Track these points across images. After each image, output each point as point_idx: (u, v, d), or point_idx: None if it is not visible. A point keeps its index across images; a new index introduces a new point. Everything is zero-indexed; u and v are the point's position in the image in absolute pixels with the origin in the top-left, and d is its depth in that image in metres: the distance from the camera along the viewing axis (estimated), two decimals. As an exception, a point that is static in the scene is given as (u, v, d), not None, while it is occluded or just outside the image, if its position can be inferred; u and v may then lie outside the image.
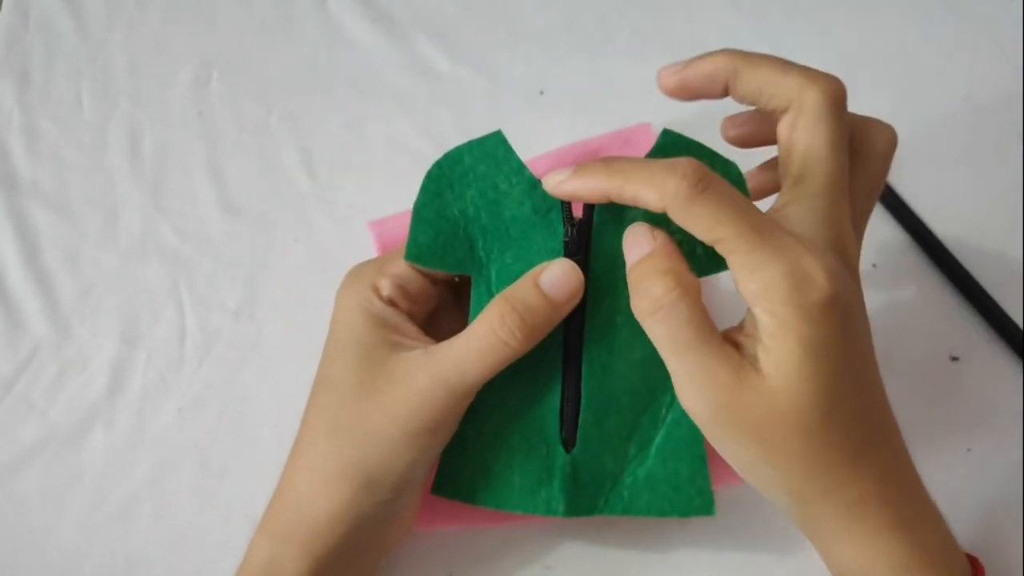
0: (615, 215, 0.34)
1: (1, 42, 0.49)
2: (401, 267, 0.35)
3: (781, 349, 0.29)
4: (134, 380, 0.43)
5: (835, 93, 0.33)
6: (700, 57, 0.34)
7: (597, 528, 0.40)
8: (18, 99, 0.48)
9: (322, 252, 0.45)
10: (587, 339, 0.34)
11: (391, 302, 0.35)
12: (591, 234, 0.34)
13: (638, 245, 0.32)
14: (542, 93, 0.48)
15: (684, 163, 0.30)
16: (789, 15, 0.49)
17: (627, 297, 0.32)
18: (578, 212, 0.34)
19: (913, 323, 0.44)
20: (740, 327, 0.31)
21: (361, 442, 0.33)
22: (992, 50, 0.48)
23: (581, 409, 0.35)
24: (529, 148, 0.44)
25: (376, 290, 0.35)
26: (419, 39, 0.49)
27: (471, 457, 0.35)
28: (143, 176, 0.46)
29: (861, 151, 0.34)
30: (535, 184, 0.34)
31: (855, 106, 0.47)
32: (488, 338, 0.32)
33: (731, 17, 0.49)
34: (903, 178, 0.46)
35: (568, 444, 0.35)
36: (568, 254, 0.34)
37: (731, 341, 0.31)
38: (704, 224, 0.30)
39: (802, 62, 0.47)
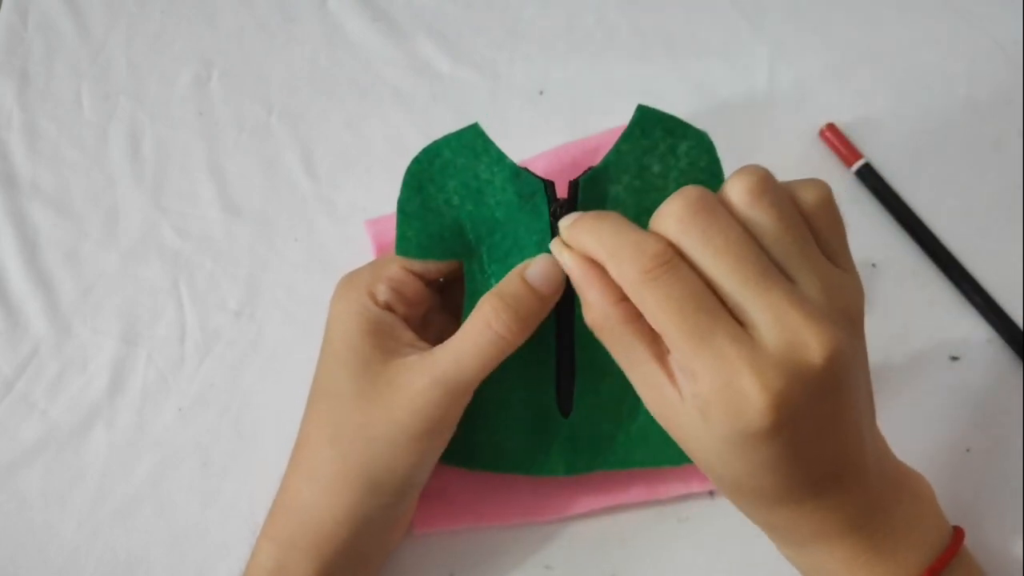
0: (598, 195, 0.34)
1: (1, 42, 0.49)
2: (396, 271, 0.35)
3: (710, 446, 0.30)
4: (135, 379, 0.43)
5: (692, 202, 0.29)
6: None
7: (597, 528, 0.40)
8: (18, 99, 0.48)
9: (322, 252, 0.45)
10: (577, 310, 0.34)
11: (388, 307, 0.35)
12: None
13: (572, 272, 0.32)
14: (542, 93, 0.48)
15: (652, 242, 0.29)
16: (789, 15, 0.49)
17: None
18: (562, 193, 0.34)
19: (913, 323, 0.44)
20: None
21: (365, 447, 0.33)
22: (992, 50, 0.48)
23: (576, 377, 0.36)
24: (529, 148, 0.45)
25: (372, 296, 0.35)
26: (419, 39, 0.49)
27: (474, 425, 0.36)
28: (143, 176, 0.46)
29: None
30: (517, 171, 0.34)
31: (855, 105, 0.47)
32: (485, 333, 0.32)
33: (731, 17, 0.49)
34: (903, 178, 0.46)
35: (565, 411, 0.36)
36: (554, 234, 0.34)
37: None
38: (648, 313, 0.29)
39: (802, 62, 0.48)
